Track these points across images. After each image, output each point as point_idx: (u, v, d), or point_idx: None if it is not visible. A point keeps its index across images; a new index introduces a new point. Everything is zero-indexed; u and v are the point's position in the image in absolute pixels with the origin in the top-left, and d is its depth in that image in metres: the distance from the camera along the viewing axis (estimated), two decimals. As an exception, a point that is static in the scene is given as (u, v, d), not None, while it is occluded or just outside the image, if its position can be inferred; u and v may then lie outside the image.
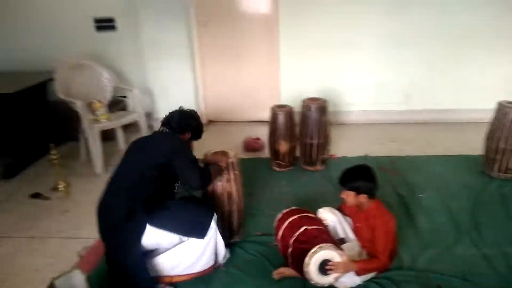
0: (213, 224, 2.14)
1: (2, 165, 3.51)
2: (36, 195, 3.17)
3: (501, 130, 3.08)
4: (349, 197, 2.07)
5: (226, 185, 2.37)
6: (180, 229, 2.06)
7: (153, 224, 2.00)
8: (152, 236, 2.01)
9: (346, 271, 1.98)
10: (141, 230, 1.97)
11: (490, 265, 2.22)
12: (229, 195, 2.40)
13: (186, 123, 2.39)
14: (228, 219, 2.43)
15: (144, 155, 2.16)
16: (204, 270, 2.15)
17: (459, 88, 4.44)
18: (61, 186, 3.25)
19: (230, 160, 2.41)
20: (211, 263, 2.17)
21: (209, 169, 2.27)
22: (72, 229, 2.71)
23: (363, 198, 2.04)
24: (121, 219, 1.98)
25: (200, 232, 2.09)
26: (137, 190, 2.05)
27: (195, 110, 2.58)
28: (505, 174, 3.15)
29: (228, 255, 2.34)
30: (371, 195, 2.06)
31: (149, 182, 2.09)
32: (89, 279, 1.69)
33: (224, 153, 2.50)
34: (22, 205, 3.06)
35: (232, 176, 2.41)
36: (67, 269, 2.23)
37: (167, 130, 2.32)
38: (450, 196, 2.95)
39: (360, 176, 2.05)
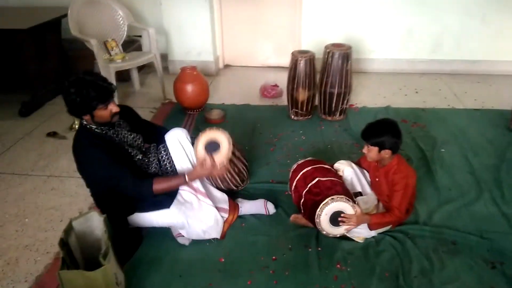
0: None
1: (18, 103, 3.52)
2: (52, 134, 3.19)
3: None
4: (372, 152, 1.98)
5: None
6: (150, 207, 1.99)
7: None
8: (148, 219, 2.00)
9: (358, 223, 1.96)
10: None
11: (509, 224, 2.17)
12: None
13: (67, 99, 1.76)
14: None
15: None
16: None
17: (493, 38, 4.15)
18: (76, 125, 3.25)
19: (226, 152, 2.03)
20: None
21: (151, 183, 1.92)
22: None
23: (386, 154, 1.96)
24: None
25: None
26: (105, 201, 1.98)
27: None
28: (534, 132, 3.01)
29: (273, 210, 2.27)
30: (395, 151, 1.98)
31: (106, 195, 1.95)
32: (106, 221, 1.70)
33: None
34: (39, 144, 3.09)
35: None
36: (84, 210, 2.29)
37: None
38: (473, 151, 2.85)
39: (385, 131, 1.95)
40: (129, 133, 2.05)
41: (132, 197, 1.93)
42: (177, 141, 2.13)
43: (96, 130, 1.87)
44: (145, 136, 2.16)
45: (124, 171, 1.85)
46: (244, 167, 2.45)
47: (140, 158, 2.04)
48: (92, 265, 1.54)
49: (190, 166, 2.12)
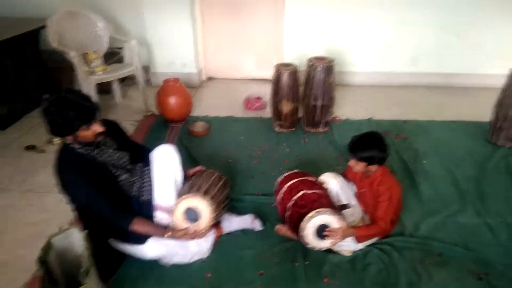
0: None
1: (-5, 116, 3.41)
2: (31, 147, 3.09)
3: (511, 97, 2.98)
4: (359, 166, 1.97)
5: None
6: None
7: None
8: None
9: (344, 237, 1.94)
10: None
11: (493, 235, 2.20)
12: None
13: (48, 119, 1.68)
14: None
15: None
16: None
17: (470, 51, 4.27)
18: (56, 139, 3.16)
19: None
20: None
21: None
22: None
23: (373, 168, 1.96)
24: None
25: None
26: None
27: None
28: (512, 143, 3.09)
29: (260, 227, 2.22)
30: (382, 164, 1.99)
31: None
32: (87, 238, 1.64)
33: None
34: (17, 158, 2.98)
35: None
36: (64, 226, 2.20)
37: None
38: (454, 163, 2.90)
39: (373, 145, 1.94)
40: (115, 151, 1.94)
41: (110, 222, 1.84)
42: (165, 157, 2.02)
43: (78, 150, 1.78)
44: (131, 155, 2.04)
45: (103, 198, 1.77)
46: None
47: (124, 178, 1.94)
48: (74, 282, 1.48)
49: (171, 194, 1.98)
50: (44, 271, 1.49)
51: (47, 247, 1.59)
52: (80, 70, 3.32)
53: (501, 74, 3.16)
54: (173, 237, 1.87)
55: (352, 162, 2.00)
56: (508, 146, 3.08)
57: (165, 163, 2.01)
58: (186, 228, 1.88)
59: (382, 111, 3.80)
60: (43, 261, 1.53)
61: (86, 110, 1.70)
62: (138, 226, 1.82)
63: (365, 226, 2.04)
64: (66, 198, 1.83)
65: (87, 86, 3.31)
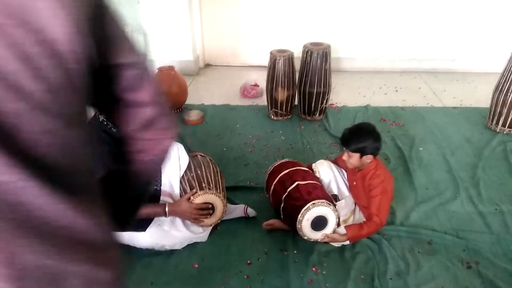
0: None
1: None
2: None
3: (510, 81, 2.91)
4: (353, 158, 1.92)
5: None
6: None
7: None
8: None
9: (337, 241, 1.95)
10: None
11: (485, 223, 2.17)
12: None
13: None
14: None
15: None
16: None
17: (471, 36, 4.19)
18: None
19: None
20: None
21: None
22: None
23: (368, 159, 1.92)
24: None
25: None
26: None
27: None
28: (510, 129, 3.03)
29: (253, 213, 2.22)
30: (375, 155, 1.95)
31: None
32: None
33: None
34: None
35: None
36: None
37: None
38: (450, 150, 2.86)
39: (366, 136, 1.90)
40: None
41: None
42: (174, 152, 2.07)
43: (111, 127, 1.75)
44: None
45: None
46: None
47: None
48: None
49: (177, 181, 2.05)
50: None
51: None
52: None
53: (501, 58, 3.09)
54: (173, 211, 1.93)
55: (345, 155, 1.95)
56: (506, 132, 3.03)
57: (172, 158, 2.06)
58: (199, 217, 1.97)
59: (381, 98, 3.75)
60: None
61: None
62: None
63: (357, 226, 1.96)
64: None
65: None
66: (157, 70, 3.40)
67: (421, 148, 2.89)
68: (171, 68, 3.40)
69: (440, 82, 4.10)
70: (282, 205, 2.02)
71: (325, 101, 3.30)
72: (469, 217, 2.22)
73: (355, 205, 2.11)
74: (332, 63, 3.24)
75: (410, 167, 2.65)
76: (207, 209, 1.99)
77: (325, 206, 1.88)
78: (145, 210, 1.89)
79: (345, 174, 2.20)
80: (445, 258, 1.95)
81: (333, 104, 3.58)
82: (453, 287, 1.80)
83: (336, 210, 1.90)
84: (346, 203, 2.10)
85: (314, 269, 1.89)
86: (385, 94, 3.86)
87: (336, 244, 2.02)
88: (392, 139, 2.99)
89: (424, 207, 2.29)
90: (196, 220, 1.99)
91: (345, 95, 3.80)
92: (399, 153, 2.82)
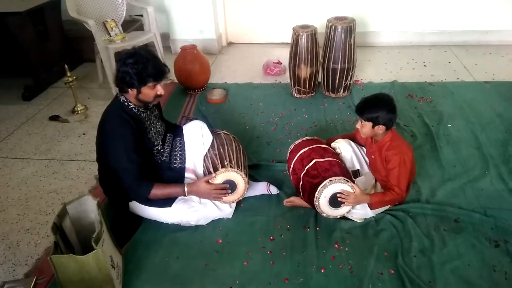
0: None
1: (21, 87, 3.52)
2: (55, 118, 3.19)
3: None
4: (365, 128, 1.92)
5: None
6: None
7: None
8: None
9: (357, 203, 1.92)
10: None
11: (515, 201, 2.10)
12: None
13: (122, 69, 1.77)
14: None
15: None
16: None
17: (505, 6, 3.96)
18: (79, 108, 3.25)
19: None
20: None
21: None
22: (90, 152, 2.73)
23: (380, 129, 1.90)
24: None
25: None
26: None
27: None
28: (546, 104, 2.89)
29: (276, 191, 2.24)
30: (389, 127, 1.92)
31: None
32: (100, 205, 1.70)
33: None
34: (42, 128, 3.10)
35: None
36: (85, 193, 2.30)
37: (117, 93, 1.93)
38: (480, 126, 2.76)
39: (380, 106, 1.87)
40: (157, 120, 2.10)
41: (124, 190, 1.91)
42: (198, 130, 2.14)
43: (132, 108, 1.89)
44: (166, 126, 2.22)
45: (134, 166, 1.84)
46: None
47: (159, 146, 2.06)
48: (89, 248, 1.54)
49: (201, 159, 2.10)
50: (59, 237, 1.57)
51: (62, 214, 1.66)
52: (99, 39, 3.35)
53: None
54: (193, 191, 1.95)
55: (359, 124, 1.95)
56: (542, 107, 2.89)
57: (196, 136, 2.13)
58: (219, 196, 1.98)
59: (408, 73, 3.64)
60: (58, 227, 1.61)
61: (160, 68, 1.81)
62: (158, 189, 1.90)
63: (380, 192, 1.99)
64: (98, 152, 1.94)
65: (106, 54, 3.34)
66: (180, 50, 3.41)
67: (449, 125, 2.80)
68: (193, 47, 3.39)
69: (471, 55, 3.93)
70: (301, 183, 2.02)
71: (349, 77, 3.23)
72: (498, 194, 2.16)
73: (375, 181, 2.08)
74: (357, 38, 3.15)
75: (437, 144, 2.58)
76: (226, 189, 1.99)
77: (343, 182, 1.86)
78: (166, 190, 1.94)
79: (365, 150, 2.17)
80: (472, 236, 1.91)
81: (358, 81, 3.50)
82: (480, 266, 1.76)
83: (354, 186, 1.87)
84: (365, 179, 2.07)
85: (336, 245, 1.90)
86: (413, 69, 3.73)
87: (358, 220, 2.01)
88: (419, 116, 2.91)
89: (451, 185, 2.23)
90: (216, 199, 2.01)
91: (370, 71, 3.70)
92: (426, 130, 2.75)
